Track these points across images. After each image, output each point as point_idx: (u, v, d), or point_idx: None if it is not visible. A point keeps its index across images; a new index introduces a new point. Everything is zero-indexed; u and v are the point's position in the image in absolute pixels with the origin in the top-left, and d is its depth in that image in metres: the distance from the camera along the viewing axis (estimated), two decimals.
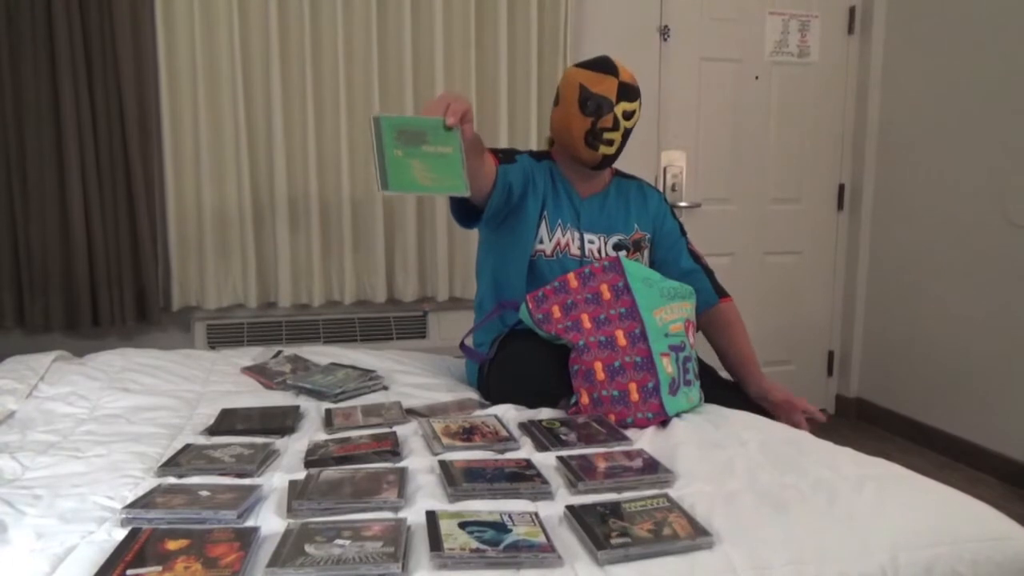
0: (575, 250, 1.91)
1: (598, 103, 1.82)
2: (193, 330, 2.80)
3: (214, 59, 2.66)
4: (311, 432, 1.54)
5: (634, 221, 1.96)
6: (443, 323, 3.02)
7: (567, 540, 1.07)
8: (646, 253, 1.97)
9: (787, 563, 1.04)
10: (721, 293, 2.00)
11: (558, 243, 1.90)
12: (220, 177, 2.71)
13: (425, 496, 1.19)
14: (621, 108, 1.84)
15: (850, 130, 3.55)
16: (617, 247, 1.93)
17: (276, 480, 1.27)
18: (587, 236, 1.92)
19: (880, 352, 3.53)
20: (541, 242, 1.89)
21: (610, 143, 1.85)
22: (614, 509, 1.13)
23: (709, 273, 2.01)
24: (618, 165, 2.09)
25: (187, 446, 1.41)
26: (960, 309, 3.09)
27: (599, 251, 1.92)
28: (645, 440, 1.49)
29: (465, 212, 1.84)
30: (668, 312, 1.69)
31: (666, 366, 1.62)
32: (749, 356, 1.94)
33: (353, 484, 1.20)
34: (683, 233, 2.04)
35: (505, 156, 1.87)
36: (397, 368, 2.06)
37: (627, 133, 1.87)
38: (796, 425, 1.76)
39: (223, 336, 2.81)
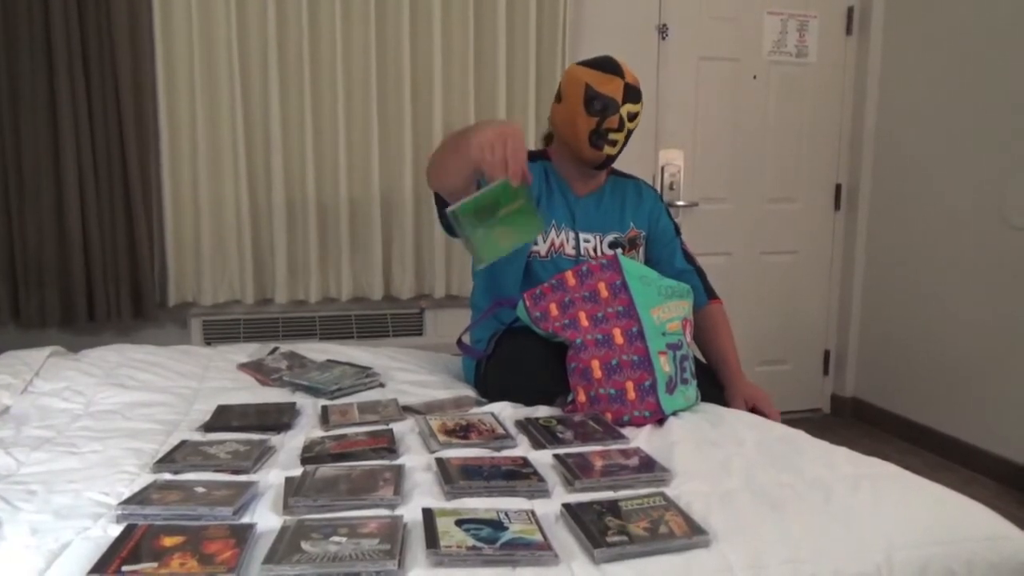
0: (570, 250, 1.91)
1: (604, 103, 1.82)
2: (189, 326, 2.80)
3: (211, 52, 2.65)
4: (307, 429, 1.53)
5: (629, 219, 1.97)
6: (440, 320, 3.02)
7: (563, 538, 1.07)
8: (641, 251, 1.98)
9: (783, 562, 1.04)
10: (711, 295, 2.02)
11: (552, 244, 1.90)
12: (217, 173, 2.70)
13: (422, 493, 1.19)
14: (626, 109, 1.84)
15: (847, 130, 3.55)
16: (613, 245, 1.93)
17: (272, 477, 1.26)
18: (583, 235, 1.92)
19: (876, 352, 3.53)
20: (536, 243, 1.89)
21: (614, 144, 1.86)
22: (611, 507, 1.13)
23: (701, 274, 2.03)
24: (616, 163, 2.09)
25: (183, 442, 1.41)
26: (956, 309, 3.10)
27: (595, 250, 1.92)
28: (642, 438, 1.49)
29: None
30: (665, 310, 1.70)
31: (663, 364, 1.62)
32: (731, 359, 1.94)
33: (349, 481, 1.20)
34: (677, 233, 2.05)
35: None
36: (394, 365, 2.05)
37: (629, 134, 1.88)
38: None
39: (219, 332, 2.80)
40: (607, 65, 1.86)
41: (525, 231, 1.48)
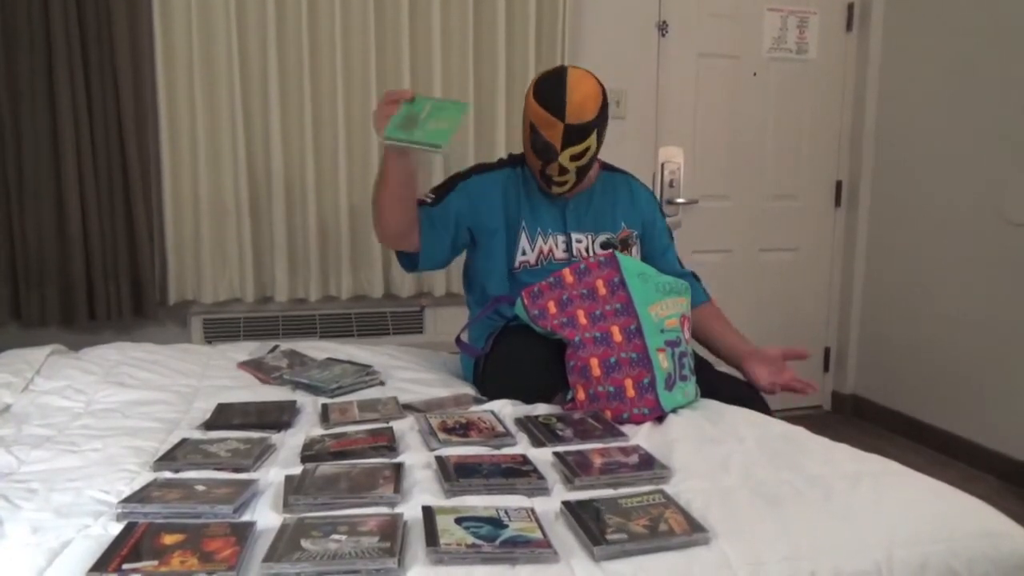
0: (560, 254, 1.90)
1: (545, 147, 1.79)
2: (190, 324, 2.80)
3: (211, 50, 2.64)
4: (307, 427, 1.54)
5: (621, 219, 1.95)
6: (440, 318, 3.02)
7: (563, 536, 1.07)
8: (634, 250, 1.97)
9: (782, 559, 1.04)
10: (707, 295, 2.04)
11: (541, 251, 1.89)
12: (217, 171, 2.70)
13: (421, 491, 1.19)
14: (567, 155, 1.78)
15: (848, 127, 3.55)
16: (605, 245, 1.92)
17: (272, 475, 1.27)
18: (575, 235, 1.91)
19: (876, 349, 3.53)
20: (524, 253, 1.89)
21: (562, 184, 1.84)
22: (610, 505, 1.14)
23: (696, 276, 2.05)
24: (616, 161, 2.09)
25: (183, 440, 1.41)
26: (957, 306, 3.10)
27: (587, 250, 1.91)
28: (641, 436, 1.49)
29: (409, 259, 1.91)
30: (664, 307, 1.70)
31: (662, 362, 1.62)
32: (740, 337, 1.95)
33: (349, 479, 1.20)
34: (671, 238, 2.05)
35: (438, 194, 1.88)
36: (393, 363, 2.06)
37: (582, 169, 1.82)
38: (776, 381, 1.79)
39: (220, 331, 2.80)
40: (552, 100, 1.75)
41: (454, 112, 1.64)
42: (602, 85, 1.82)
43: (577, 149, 1.78)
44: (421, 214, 1.85)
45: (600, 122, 1.79)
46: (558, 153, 1.77)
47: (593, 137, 1.79)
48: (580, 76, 1.78)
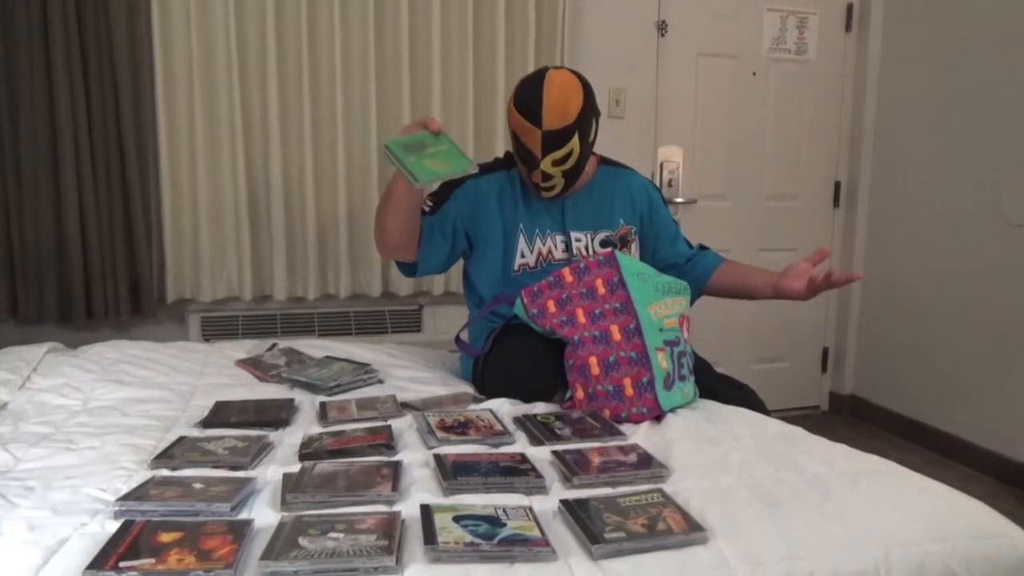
0: (560, 254, 1.90)
1: (527, 154, 1.78)
2: (188, 322, 2.80)
3: (210, 49, 2.64)
4: (305, 425, 1.54)
5: (619, 216, 1.94)
6: (438, 317, 3.02)
7: (561, 534, 1.07)
8: (634, 247, 1.96)
9: (781, 558, 1.04)
10: (720, 256, 2.05)
11: (540, 253, 1.89)
12: (215, 169, 2.69)
13: (419, 490, 1.19)
14: (549, 161, 1.76)
15: (847, 127, 3.55)
16: (604, 244, 1.91)
17: (270, 473, 1.27)
18: (574, 234, 1.90)
19: (875, 349, 3.53)
20: (523, 256, 1.89)
21: (549, 189, 1.83)
22: (608, 504, 1.13)
23: (703, 245, 2.07)
24: (615, 157, 2.08)
25: (181, 438, 1.41)
26: (955, 306, 3.10)
27: (586, 248, 1.90)
28: (640, 435, 1.49)
29: (407, 266, 1.92)
30: (663, 307, 1.70)
31: (661, 361, 1.62)
32: (765, 270, 2.00)
33: (347, 477, 1.20)
34: (676, 223, 2.06)
35: (435, 202, 1.89)
36: (392, 362, 2.05)
37: (569, 172, 1.79)
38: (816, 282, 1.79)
39: (218, 329, 2.80)
40: (529, 106, 1.73)
41: (456, 164, 1.64)
42: (585, 85, 1.78)
43: (559, 154, 1.76)
44: (421, 222, 1.85)
45: (582, 124, 1.75)
46: (539, 160, 1.76)
47: (575, 140, 1.75)
48: (558, 79, 1.75)
